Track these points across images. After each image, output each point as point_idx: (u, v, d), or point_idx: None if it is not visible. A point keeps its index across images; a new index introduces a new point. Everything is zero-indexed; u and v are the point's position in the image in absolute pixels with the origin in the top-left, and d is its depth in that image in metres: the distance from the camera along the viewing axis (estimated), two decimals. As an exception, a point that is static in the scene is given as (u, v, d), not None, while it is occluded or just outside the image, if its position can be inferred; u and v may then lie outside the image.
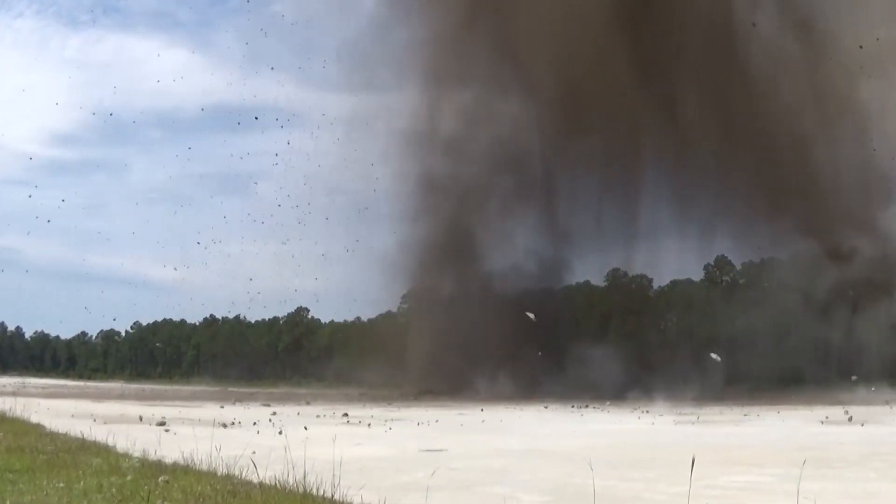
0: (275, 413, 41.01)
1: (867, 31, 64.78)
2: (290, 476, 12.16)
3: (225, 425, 29.27)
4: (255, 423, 28.13)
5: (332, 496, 11.50)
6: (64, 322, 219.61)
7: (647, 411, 46.30)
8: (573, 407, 53.26)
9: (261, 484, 11.79)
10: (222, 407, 48.86)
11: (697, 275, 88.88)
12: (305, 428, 28.13)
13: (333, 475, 11.70)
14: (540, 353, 67.48)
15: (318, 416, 39.40)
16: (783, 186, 72.44)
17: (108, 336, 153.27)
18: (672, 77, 74.21)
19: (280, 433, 24.01)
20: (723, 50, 71.71)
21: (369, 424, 32.57)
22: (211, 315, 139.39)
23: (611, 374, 66.38)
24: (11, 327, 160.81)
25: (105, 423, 26.33)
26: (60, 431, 22.16)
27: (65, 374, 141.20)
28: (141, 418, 32.24)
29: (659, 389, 58.68)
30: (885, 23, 66.44)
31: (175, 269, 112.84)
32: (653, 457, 20.00)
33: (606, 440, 25.40)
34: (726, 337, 70.99)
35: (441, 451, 21.49)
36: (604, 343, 70.64)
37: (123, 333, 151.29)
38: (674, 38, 72.67)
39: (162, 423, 28.45)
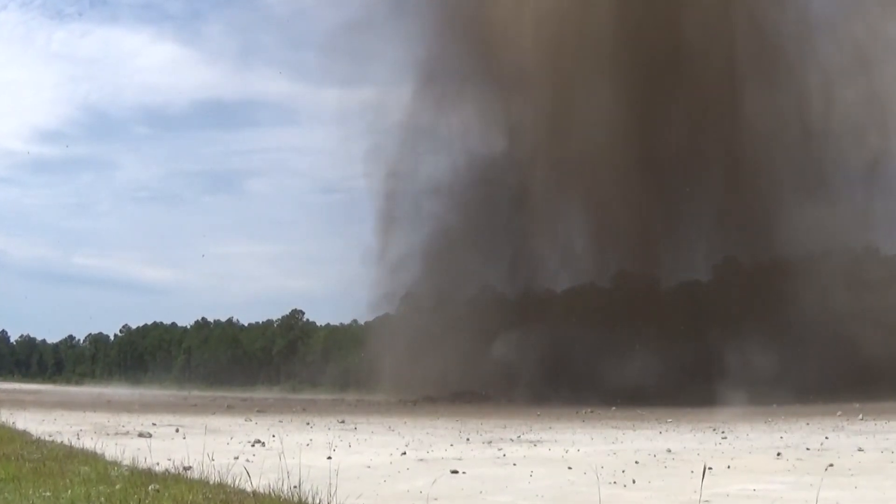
0: (280, 421, 40.13)
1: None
2: (285, 485, 11.88)
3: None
4: (274, 435, 27.44)
5: (329, 504, 11.19)
6: (51, 325, 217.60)
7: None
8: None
9: (254, 493, 11.50)
10: (213, 413, 48.24)
11: (705, 275, 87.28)
12: (308, 444, 27.54)
13: (329, 483, 11.37)
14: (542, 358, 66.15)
15: (308, 424, 38.78)
16: (790, 185, 71.47)
17: (97, 340, 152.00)
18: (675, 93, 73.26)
19: (274, 436, 23.66)
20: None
21: (365, 438, 31.97)
22: (202, 318, 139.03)
23: (631, 378, 62.98)
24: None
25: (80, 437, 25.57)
26: (47, 438, 21.67)
27: (52, 379, 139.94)
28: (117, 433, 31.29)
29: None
30: None
31: (165, 270, 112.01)
32: (659, 464, 19.59)
33: (614, 447, 24.91)
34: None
35: (440, 459, 21.07)
36: (610, 346, 67.94)
37: (112, 337, 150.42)
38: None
39: (144, 435, 27.69)
